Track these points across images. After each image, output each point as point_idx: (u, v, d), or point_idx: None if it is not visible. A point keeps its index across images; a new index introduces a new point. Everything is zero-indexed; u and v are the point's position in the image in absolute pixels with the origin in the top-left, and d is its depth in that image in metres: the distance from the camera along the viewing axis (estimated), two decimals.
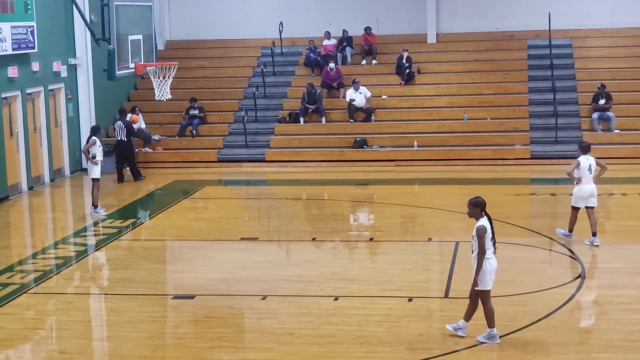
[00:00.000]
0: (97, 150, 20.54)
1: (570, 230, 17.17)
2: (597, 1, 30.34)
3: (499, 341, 11.81)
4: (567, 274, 15.00)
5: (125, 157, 24.90)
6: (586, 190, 16.88)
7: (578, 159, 16.89)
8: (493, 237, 11.74)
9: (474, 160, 26.22)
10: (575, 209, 17.02)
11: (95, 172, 20.52)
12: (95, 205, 20.57)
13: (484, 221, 11.69)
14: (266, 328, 12.68)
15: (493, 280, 11.87)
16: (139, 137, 26.52)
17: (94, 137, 20.55)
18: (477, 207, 11.77)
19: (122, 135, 24.77)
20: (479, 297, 11.84)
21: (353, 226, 20.11)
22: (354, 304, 13.65)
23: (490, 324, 11.85)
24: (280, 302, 13.87)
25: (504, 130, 27.14)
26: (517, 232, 18.02)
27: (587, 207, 16.99)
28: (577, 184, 16.85)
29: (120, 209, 21.41)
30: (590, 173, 16.83)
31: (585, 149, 17.02)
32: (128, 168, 24.96)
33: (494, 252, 11.83)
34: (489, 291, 11.83)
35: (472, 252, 11.80)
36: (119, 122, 25.01)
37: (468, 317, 11.97)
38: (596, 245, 16.69)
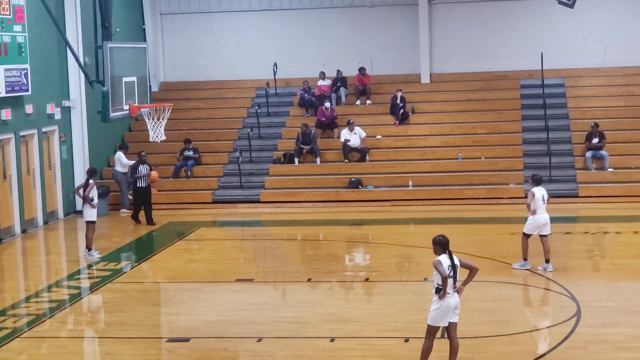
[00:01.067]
0: (94, 193, 20.51)
1: (525, 259, 17.93)
2: (589, 41, 30.52)
3: None
4: (562, 312, 14.93)
5: (146, 202, 24.54)
6: (541, 220, 17.79)
7: (532, 190, 17.80)
8: (452, 276, 11.72)
9: (468, 199, 26.25)
10: (527, 237, 17.90)
11: (92, 215, 20.45)
12: (89, 248, 20.50)
13: (442, 257, 11.79)
14: None
15: (446, 321, 11.83)
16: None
17: (91, 181, 20.50)
18: (437, 245, 11.96)
19: (145, 180, 24.51)
20: (454, 333, 11.84)
21: (348, 266, 20.05)
22: (350, 345, 13.58)
23: None
24: (276, 344, 13.79)
25: (498, 170, 27.18)
26: (512, 272, 17.96)
27: (541, 235, 17.88)
28: (532, 214, 17.72)
29: (114, 252, 21.33)
30: (544, 203, 17.76)
31: (538, 181, 17.99)
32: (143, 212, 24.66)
33: (454, 291, 11.79)
34: (435, 328, 11.85)
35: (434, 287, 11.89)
36: (144, 166, 24.57)
37: (452, 358, 11.92)
38: (550, 271, 17.40)
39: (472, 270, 11.96)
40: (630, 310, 15.08)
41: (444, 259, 11.82)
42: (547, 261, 17.75)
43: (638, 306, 15.40)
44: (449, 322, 11.87)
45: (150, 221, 24.29)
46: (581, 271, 18.32)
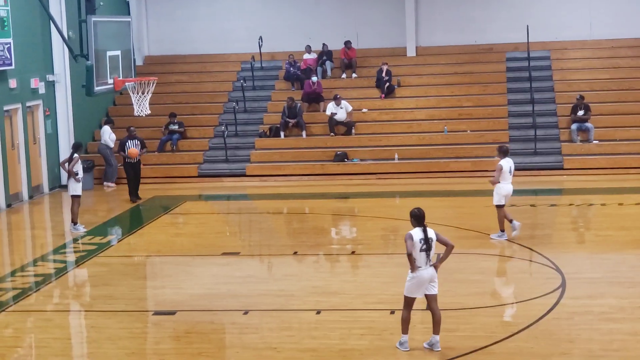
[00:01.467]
0: (79, 167, 20.43)
1: (503, 230, 18.24)
2: (574, 13, 30.50)
3: (408, 349, 11.92)
4: (547, 284, 14.99)
5: (135, 177, 24.24)
6: (506, 189, 18.15)
7: (500, 162, 18.06)
8: (425, 250, 11.78)
9: (454, 172, 26.29)
10: (501, 207, 18.21)
11: (77, 189, 20.40)
12: (75, 222, 20.46)
13: (414, 231, 11.85)
14: (248, 343, 12.61)
15: (421, 293, 11.92)
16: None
17: (76, 155, 20.42)
18: (412, 217, 12.02)
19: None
20: (434, 305, 11.94)
21: (335, 239, 20.07)
22: (336, 318, 13.61)
23: (403, 330, 11.99)
24: (262, 316, 13.81)
25: (484, 142, 27.19)
26: (496, 244, 18.03)
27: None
28: (495, 184, 18.13)
29: (100, 225, 21.30)
30: (510, 174, 18.15)
31: (505, 152, 18.23)
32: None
33: (427, 264, 11.86)
34: (410, 299, 11.96)
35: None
36: (133, 142, 24.16)
37: (436, 329, 12.00)
38: (505, 239, 18.02)
39: (448, 247, 11.99)
40: (615, 282, 15.16)
41: (415, 232, 11.86)
42: (502, 230, 18.25)
43: (622, 277, 15.48)
44: (427, 294, 11.93)
45: (136, 196, 24.09)
46: (566, 243, 18.40)
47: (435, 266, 11.92)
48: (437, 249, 12.05)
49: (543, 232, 19.43)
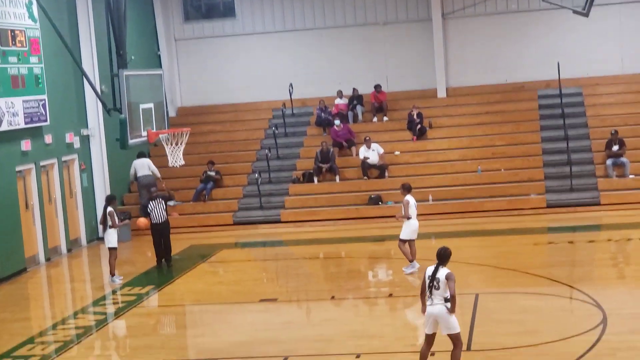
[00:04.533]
0: (115, 220, 20.62)
1: (412, 260, 19.26)
2: (605, 49, 30.41)
3: None
4: (589, 321, 14.83)
5: (165, 239, 22.29)
6: (416, 225, 19.21)
7: (406, 198, 19.07)
8: (430, 287, 12.12)
9: (489, 211, 26.15)
10: (404, 242, 19.21)
11: (112, 241, 20.58)
12: (112, 274, 20.60)
13: (429, 267, 12.28)
14: None
15: (429, 329, 12.22)
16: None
17: (110, 208, 20.61)
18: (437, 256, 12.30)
19: (160, 216, 22.10)
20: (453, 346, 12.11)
21: (372, 283, 20.01)
22: None
23: None
24: None
25: (519, 181, 27.09)
26: (536, 282, 17.89)
27: (412, 240, 19.31)
28: (407, 220, 19.05)
29: (138, 276, 21.40)
30: (415, 209, 19.20)
31: (409, 189, 19.29)
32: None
33: (431, 301, 12.21)
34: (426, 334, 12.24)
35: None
36: (155, 203, 22.13)
37: None
38: (413, 272, 18.99)
39: (452, 298, 12.06)
40: None
41: (429, 268, 12.30)
42: (412, 261, 19.22)
43: None
44: (434, 333, 12.15)
45: (168, 262, 22.32)
46: (606, 279, 18.22)
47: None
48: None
49: (582, 269, 19.28)
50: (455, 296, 12.00)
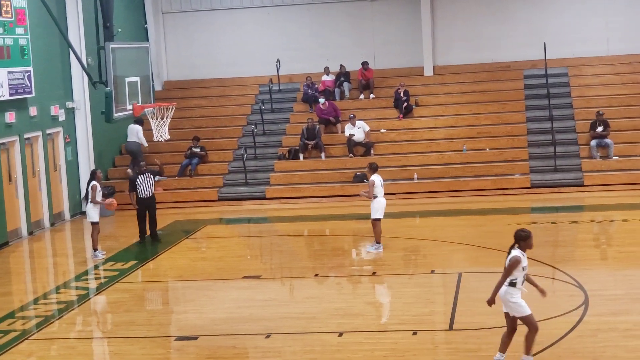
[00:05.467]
0: (99, 194, 20.54)
1: (379, 242, 19.50)
2: (591, 29, 30.44)
3: None
4: (570, 302, 14.90)
5: (151, 215, 22.04)
6: (383, 202, 19.40)
7: (372, 178, 19.32)
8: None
9: (474, 191, 26.22)
10: (378, 221, 19.41)
11: (94, 215, 20.51)
12: (95, 249, 20.56)
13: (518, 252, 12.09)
14: None
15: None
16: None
17: (94, 183, 20.54)
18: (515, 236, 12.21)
19: (148, 190, 21.80)
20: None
21: (355, 261, 20.04)
22: (358, 340, 13.57)
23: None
24: (284, 340, 13.79)
25: (503, 160, 27.14)
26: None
27: (379, 219, 19.47)
28: (374, 199, 19.25)
29: (121, 251, 21.35)
30: (382, 188, 19.42)
31: (375, 169, 19.60)
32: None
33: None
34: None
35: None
36: (144, 177, 21.75)
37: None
38: (379, 253, 19.19)
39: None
40: (638, 298, 15.05)
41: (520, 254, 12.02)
42: (379, 243, 19.49)
43: None
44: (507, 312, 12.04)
45: (155, 237, 22.18)
46: (588, 260, 18.31)
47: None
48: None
49: (565, 250, 19.35)
50: (505, 279, 11.91)
